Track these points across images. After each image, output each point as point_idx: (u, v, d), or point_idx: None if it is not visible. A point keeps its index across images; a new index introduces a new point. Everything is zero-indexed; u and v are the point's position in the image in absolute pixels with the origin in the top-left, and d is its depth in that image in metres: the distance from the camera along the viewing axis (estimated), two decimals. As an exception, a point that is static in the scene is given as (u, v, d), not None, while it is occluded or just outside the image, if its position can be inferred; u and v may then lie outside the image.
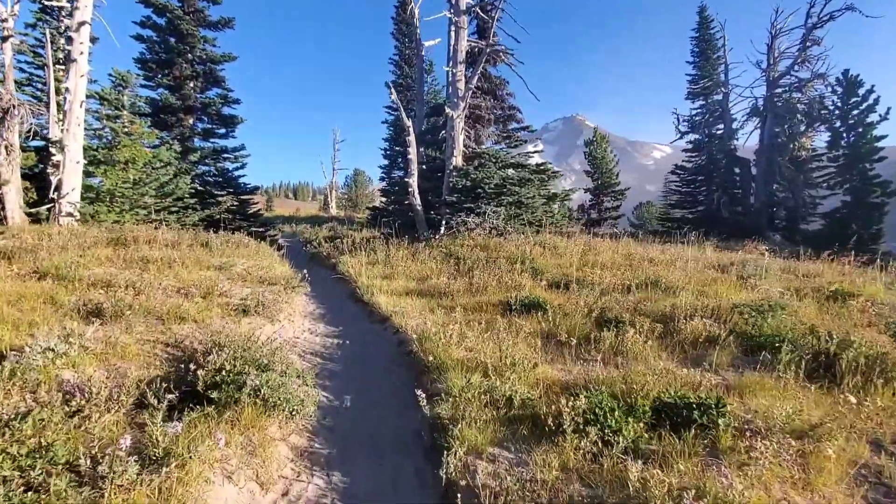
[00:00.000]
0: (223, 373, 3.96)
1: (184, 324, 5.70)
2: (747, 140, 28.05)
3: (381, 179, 31.29)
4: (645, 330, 6.07)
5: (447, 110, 14.78)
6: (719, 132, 28.15)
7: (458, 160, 14.94)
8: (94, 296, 6.05)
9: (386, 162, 30.72)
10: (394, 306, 7.57)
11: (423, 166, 16.87)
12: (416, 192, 14.39)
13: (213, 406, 3.64)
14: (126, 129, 14.59)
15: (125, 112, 15.80)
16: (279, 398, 3.86)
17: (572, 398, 3.73)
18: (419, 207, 14.46)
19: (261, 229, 20.12)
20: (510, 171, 14.89)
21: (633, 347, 5.72)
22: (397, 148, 30.42)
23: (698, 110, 28.86)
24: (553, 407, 3.77)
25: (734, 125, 27.22)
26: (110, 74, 15.67)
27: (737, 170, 26.99)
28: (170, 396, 3.63)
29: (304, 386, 4.30)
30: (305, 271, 9.66)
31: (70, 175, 12.95)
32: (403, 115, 14.18)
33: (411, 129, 14.22)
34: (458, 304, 7.55)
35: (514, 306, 7.04)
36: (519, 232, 13.66)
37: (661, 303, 7.73)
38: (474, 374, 4.46)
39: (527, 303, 7.07)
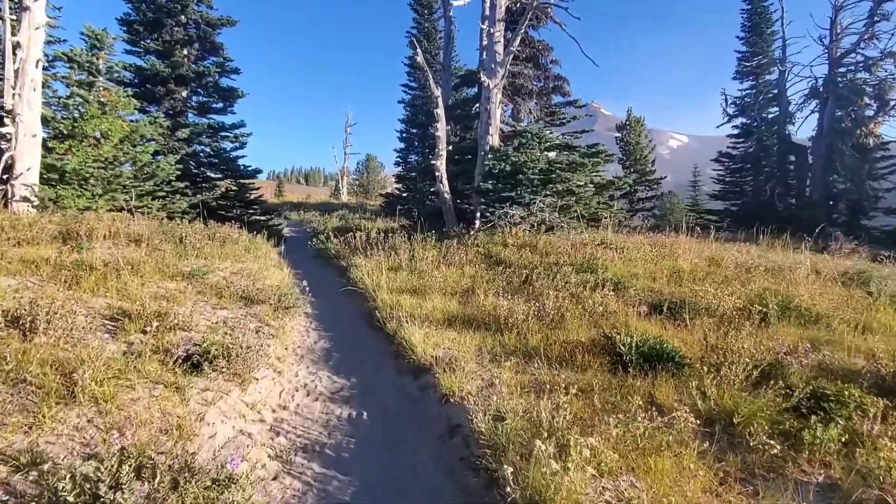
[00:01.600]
0: None
1: (72, 406, 3.11)
2: (801, 125, 24.86)
3: (397, 164, 28.54)
4: (879, 419, 3.42)
5: (482, 78, 11.98)
6: (771, 115, 24.96)
7: (494, 140, 12.17)
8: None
9: (402, 145, 27.90)
10: (433, 347, 4.93)
11: (450, 147, 14.13)
12: (445, 176, 11.69)
13: None
14: (100, 98, 12.00)
15: (101, 78, 13.20)
16: None
17: None
18: (448, 196, 11.77)
19: (262, 218, 17.57)
20: (551, 154, 12.12)
21: (885, 465, 3.06)
22: (414, 130, 27.57)
23: (748, 91, 25.61)
24: None
25: (790, 108, 24.00)
26: (82, 33, 13.05)
27: (792, 157, 23.86)
28: None
29: None
30: (305, 283, 7.06)
31: (25, 151, 10.40)
32: (431, 81, 11.40)
33: (440, 101, 11.46)
34: (530, 344, 4.92)
35: (625, 356, 4.38)
36: (570, 227, 10.94)
37: (834, 348, 5.04)
38: None
39: (645, 351, 4.40)
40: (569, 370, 4.33)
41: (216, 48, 17.00)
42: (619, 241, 10.37)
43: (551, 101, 13.74)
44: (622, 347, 4.43)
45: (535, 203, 10.86)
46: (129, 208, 12.60)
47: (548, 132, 12.40)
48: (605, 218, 11.64)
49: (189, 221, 14.17)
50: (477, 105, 13.12)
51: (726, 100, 25.19)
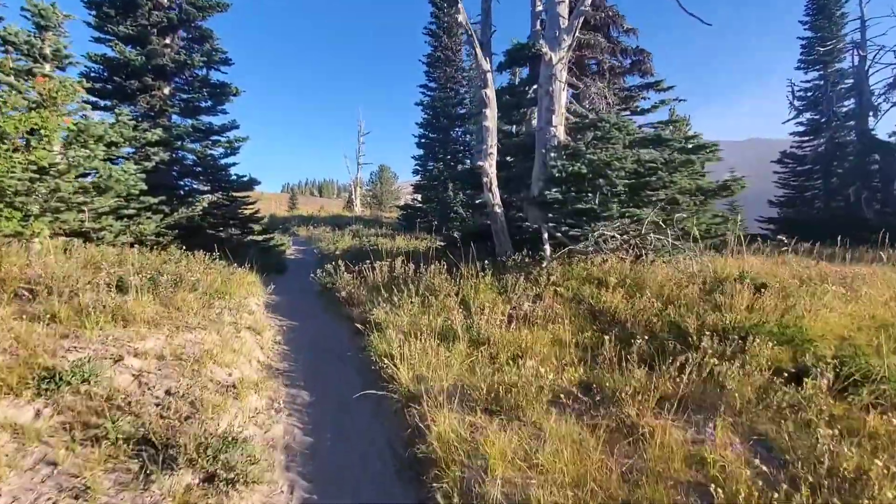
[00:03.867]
0: None
1: None
2: (881, 119, 21.00)
3: (415, 172, 25.18)
4: None
5: (543, 50, 8.58)
6: (844, 109, 21.20)
7: (559, 132, 8.76)
8: None
9: (420, 151, 24.57)
10: None
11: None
12: (495, 183, 8.27)
13: None
14: (34, 87, 8.85)
15: (46, 65, 10.11)
16: None
17: None
18: (499, 210, 8.33)
19: (260, 238, 14.31)
20: (624, 150, 8.64)
21: None
22: (434, 134, 24.30)
23: (815, 82, 21.87)
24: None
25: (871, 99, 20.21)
26: (23, 8, 9.96)
27: (875, 156, 20.04)
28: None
29: None
30: (284, 392, 3.66)
31: (-85, 157, 7.29)
32: (479, 51, 8.01)
33: (489, 77, 8.07)
34: None
35: None
36: (672, 251, 7.42)
37: None
38: None
39: None
40: None
41: (205, 37, 13.90)
42: (757, 270, 6.82)
43: (627, 83, 10.31)
44: None
45: (630, 217, 7.39)
46: (85, 232, 9.50)
47: (630, 122, 8.95)
48: (724, 236, 8.13)
49: (160, 247, 10.97)
50: (532, 89, 9.72)
51: (793, 92, 21.49)
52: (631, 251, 6.97)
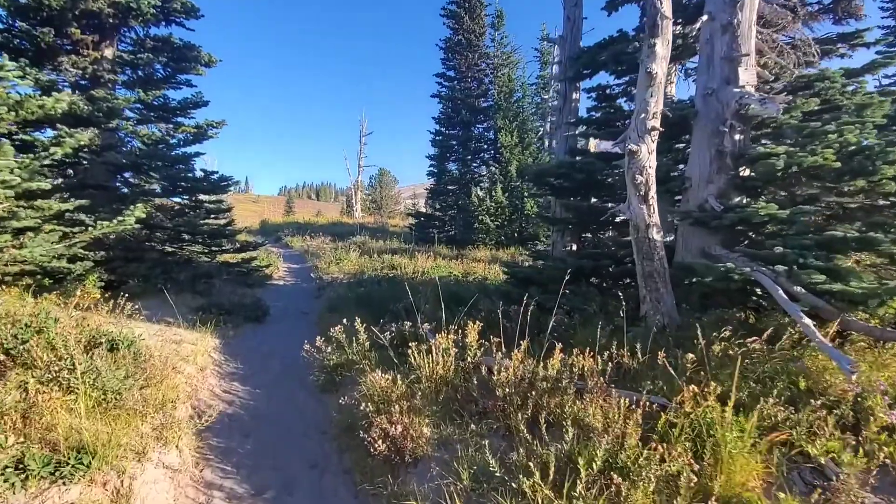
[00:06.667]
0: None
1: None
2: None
3: (429, 175, 21.11)
4: None
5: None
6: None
7: (749, 91, 4.75)
8: None
9: (435, 150, 20.49)
10: None
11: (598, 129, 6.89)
12: (653, 186, 4.25)
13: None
14: None
15: None
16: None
17: None
18: (658, 237, 4.31)
19: (238, 258, 10.13)
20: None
21: None
22: (453, 131, 20.25)
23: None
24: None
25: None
26: None
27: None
28: None
29: None
30: None
31: None
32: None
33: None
34: None
35: None
36: None
37: None
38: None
39: None
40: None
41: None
42: None
43: (814, 31, 6.40)
44: None
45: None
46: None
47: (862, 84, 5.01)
48: None
49: (71, 279, 6.89)
50: (694, 32, 5.74)
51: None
52: None
